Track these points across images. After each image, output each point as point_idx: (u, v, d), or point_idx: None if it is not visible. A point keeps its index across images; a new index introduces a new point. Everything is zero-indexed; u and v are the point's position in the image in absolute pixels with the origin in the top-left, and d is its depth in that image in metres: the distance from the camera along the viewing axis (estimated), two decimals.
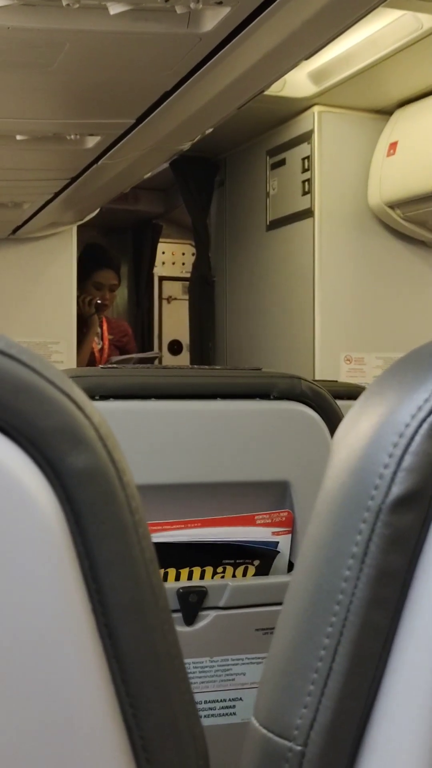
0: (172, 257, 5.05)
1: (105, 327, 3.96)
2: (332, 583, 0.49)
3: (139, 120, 2.06)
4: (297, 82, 3.06)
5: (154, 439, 1.25)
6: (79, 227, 3.64)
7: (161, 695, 0.46)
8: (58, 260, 3.62)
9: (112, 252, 4.15)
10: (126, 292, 5.06)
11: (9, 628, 0.44)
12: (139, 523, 0.46)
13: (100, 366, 1.33)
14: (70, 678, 0.44)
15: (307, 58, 1.93)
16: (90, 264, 3.85)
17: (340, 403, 1.39)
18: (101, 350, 3.90)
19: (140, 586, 0.46)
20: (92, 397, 1.23)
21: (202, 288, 3.90)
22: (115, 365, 1.35)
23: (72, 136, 2.15)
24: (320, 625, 0.49)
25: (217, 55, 1.70)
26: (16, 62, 1.70)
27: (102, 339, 3.92)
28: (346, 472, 0.51)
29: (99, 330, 3.91)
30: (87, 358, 3.83)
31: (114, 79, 1.81)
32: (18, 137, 2.13)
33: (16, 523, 0.43)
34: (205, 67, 1.75)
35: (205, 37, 1.60)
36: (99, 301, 3.82)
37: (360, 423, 0.52)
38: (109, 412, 1.23)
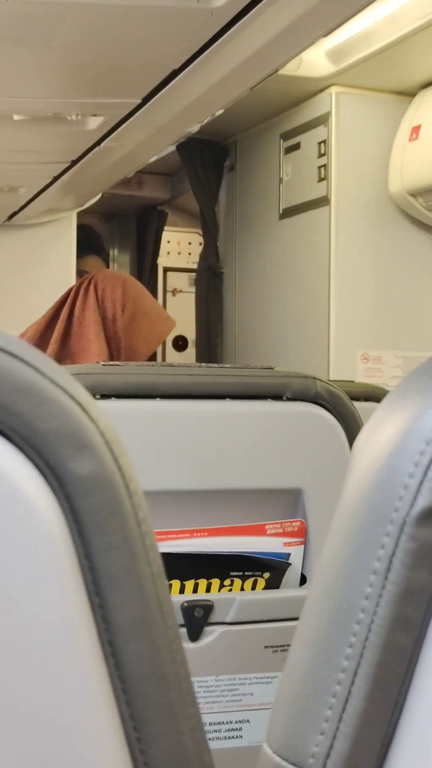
0: (178, 247, 5.04)
1: None
2: (352, 600, 0.49)
3: (145, 100, 2.06)
4: (313, 61, 3.05)
5: (158, 442, 1.25)
6: (79, 214, 3.64)
7: (168, 720, 0.46)
8: (56, 249, 3.62)
9: (102, 237, 4.10)
10: None
11: (6, 645, 0.44)
12: (146, 535, 0.46)
13: (101, 363, 1.33)
14: (71, 699, 0.44)
15: (326, 35, 1.93)
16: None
17: (357, 405, 1.38)
18: None
19: (147, 602, 0.46)
20: (93, 396, 1.23)
21: (210, 280, 3.90)
22: (113, 363, 1.35)
23: (73, 117, 2.14)
24: (339, 646, 0.49)
25: (229, 31, 1.69)
26: (15, 37, 1.70)
27: None
28: (368, 482, 0.50)
29: None
30: None
31: (119, 56, 1.81)
32: (15, 117, 2.13)
33: (15, 534, 0.43)
34: (216, 43, 1.75)
35: (216, 12, 1.60)
36: None
37: (383, 429, 0.52)
38: (110, 412, 1.23)
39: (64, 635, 0.44)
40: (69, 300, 2.57)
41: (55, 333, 2.53)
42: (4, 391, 0.43)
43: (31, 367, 0.44)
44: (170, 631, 0.47)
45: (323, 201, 3.26)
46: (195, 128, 2.43)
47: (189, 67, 1.87)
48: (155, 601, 0.46)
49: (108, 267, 4.02)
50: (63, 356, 2.52)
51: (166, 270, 4.99)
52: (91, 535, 0.45)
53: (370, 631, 0.48)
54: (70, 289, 2.63)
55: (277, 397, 1.29)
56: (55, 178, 2.80)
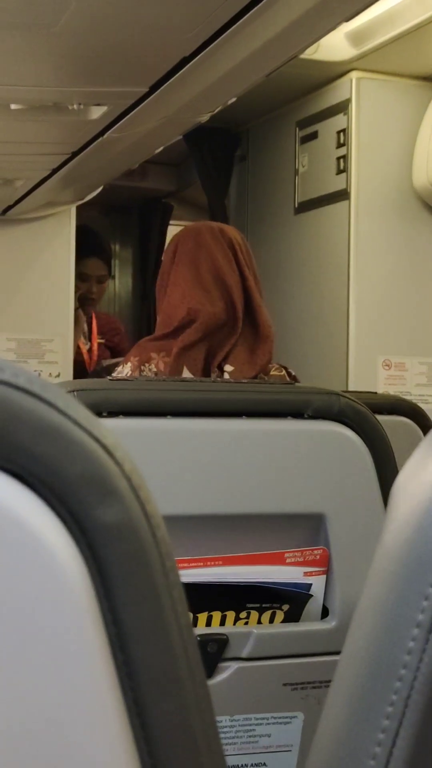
0: None
1: (94, 325, 3.98)
2: (393, 655, 0.49)
3: (153, 88, 2.06)
4: (333, 44, 3.06)
5: (169, 463, 1.25)
6: (78, 207, 3.65)
7: None
8: (53, 245, 3.62)
9: (104, 238, 4.16)
10: (130, 281, 5.07)
11: (25, 703, 0.44)
12: (173, 586, 0.46)
13: (107, 377, 1.33)
14: (94, 763, 0.45)
15: (349, 19, 1.93)
16: (75, 250, 3.85)
17: (380, 418, 1.39)
18: (90, 351, 3.92)
19: (174, 658, 0.46)
20: (99, 414, 1.23)
21: None
22: (123, 378, 1.35)
23: (75, 106, 2.15)
24: (379, 704, 0.49)
25: (245, 16, 1.70)
26: (14, 23, 1.70)
27: (90, 339, 3.94)
28: (410, 527, 0.51)
29: (86, 328, 3.93)
30: (71, 360, 3.84)
31: (126, 42, 1.81)
32: (12, 106, 2.13)
33: (35, 586, 0.44)
34: (231, 29, 1.75)
35: None
36: (84, 294, 3.84)
37: (426, 469, 0.52)
38: (117, 430, 1.24)
39: (86, 695, 0.44)
40: (238, 260, 2.35)
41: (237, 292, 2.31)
42: (25, 433, 0.43)
43: (54, 408, 0.45)
44: (199, 688, 0.47)
45: (342, 195, 3.26)
46: (205, 118, 2.44)
47: (201, 54, 1.87)
48: (183, 657, 0.46)
49: (110, 270, 4.04)
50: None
51: None
52: (116, 587, 0.45)
53: (413, 689, 0.48)
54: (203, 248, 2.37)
55: (298, 414, 1.30)
56: (54, 171, 2.80)
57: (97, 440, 0.45)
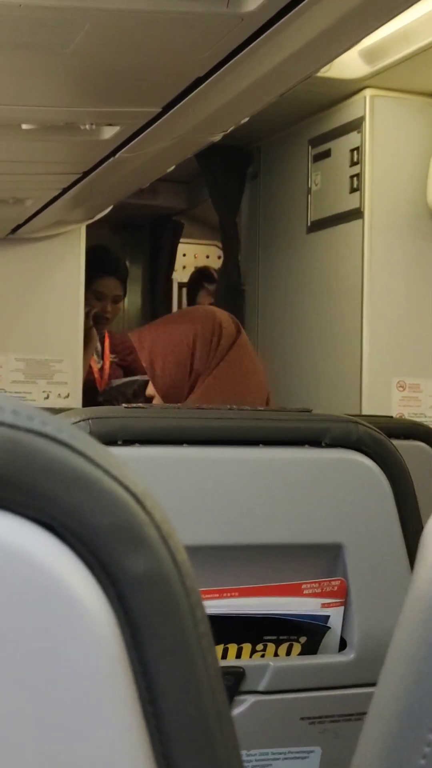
0: (195, 261, 5.06)
1: (107, 343, 3.99)
2: (424, 705, 0.49)
3: (166, 108, 2.07)
4: (346, 62, 3.06)
5: (185, 492, 1.25)
6: (89, 225, 3.66)
7: None
8: (63, 264, 3.63)
9: (121, 258, 4.19)
10: (139, 300, 5.08)
11: (53, 754, 0.44)
12: (203, 636, 0.46)
13: (124, 405, 1.33)
14: None
15: (366, 35, 1.94)
16: (92, 269, 3.88)
17: (397, 443, 1.39)
18: (101, 370, 3.94)
19: (204, 710, 0.46)
20: (115, 442, 1.24)
21: (230, 298, 3.90)
22: (136, 405, 1.35)
23: (87, 126, 2.16)
24: (411, 756, 0.49)
25: (260, 38, 1.71)
26: (26, 44, 1.71)
27: (102, 357, 3.95)
28: None
29: (99, 346, 3.94)
30: (83, 379, 3.86)
31: (139, 63, 1.83)
32: (24, 126, 2.14)
33: (63, 637, 0.44)
34: (245, 50, 1.76)
35: (247, 17, 1.61)
36: (98, 313, 3.86)
37: None
38: (133, 459, 1.24)
39: (115, 747, 0.44)
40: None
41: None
42: (55, 484, 0.44)
43: (84, 457, 0.45)
44: (229, 742, 0.47)
45: (356, 213, 3.27)
46: (218, 137, 2.45)
47: (215, 75, 1.88)
48: (213, 709, 0.46)
49: (125, 290, 4.07)
50: None
51: (181, 286, 5.00)
52: (145, 639, 0.45)
53: None
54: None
55: (316, 443, 1.30)
56: (65, 190, 2.81)
57: (127, 489, 0.45)
